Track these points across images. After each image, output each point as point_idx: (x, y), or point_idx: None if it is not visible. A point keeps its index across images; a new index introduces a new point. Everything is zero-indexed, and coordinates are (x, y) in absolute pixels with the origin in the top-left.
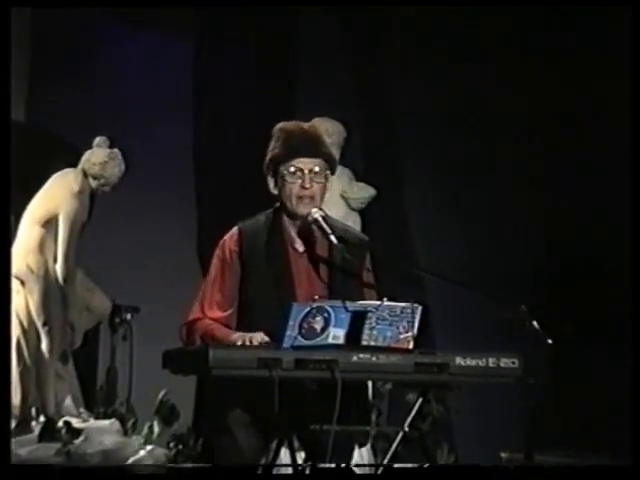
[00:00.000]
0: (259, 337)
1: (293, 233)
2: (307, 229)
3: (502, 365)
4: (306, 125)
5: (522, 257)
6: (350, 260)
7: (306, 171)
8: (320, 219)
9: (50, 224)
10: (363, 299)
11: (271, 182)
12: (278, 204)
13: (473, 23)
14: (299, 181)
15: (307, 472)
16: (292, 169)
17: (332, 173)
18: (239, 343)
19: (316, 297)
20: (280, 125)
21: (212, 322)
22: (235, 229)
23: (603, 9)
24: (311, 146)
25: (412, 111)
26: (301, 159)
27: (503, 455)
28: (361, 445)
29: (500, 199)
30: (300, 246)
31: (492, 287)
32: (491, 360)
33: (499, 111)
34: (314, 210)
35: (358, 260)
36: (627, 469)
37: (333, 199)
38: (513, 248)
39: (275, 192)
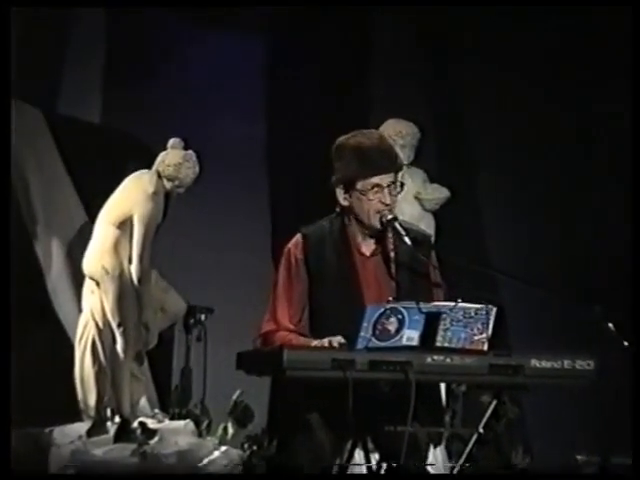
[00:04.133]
0: (337, 341)
1: (359, 237)
2: (374, 231)
3: (577, 367)
4: (376, 138)
5: (598, 257)
6: (418, 259)
7: (385, 187)
8: (395, 222)
9: (125, 225)
10: (431, 298)
11: (341, 195)
12: (338, 209)
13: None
14: (379, 196)
15: (381, 473)
16: (370, 186)
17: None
18: None
19: (390, 299)
20: (350, 141)
21: (288, 333)
22: (299, 236)
23: (603, 9)
24: (388, 162)
25: (486, 111)
26: (380, 176)
27: (579, 457)
28: (435, 446)
29: (576, 199)
30: (366, 249)
31: (567, 288)
32: (566, 362)
33: (572, 110)
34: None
35: (425, 258)
36: None
37: (407, 200)
38: (589, 248)
39: (345, 204)
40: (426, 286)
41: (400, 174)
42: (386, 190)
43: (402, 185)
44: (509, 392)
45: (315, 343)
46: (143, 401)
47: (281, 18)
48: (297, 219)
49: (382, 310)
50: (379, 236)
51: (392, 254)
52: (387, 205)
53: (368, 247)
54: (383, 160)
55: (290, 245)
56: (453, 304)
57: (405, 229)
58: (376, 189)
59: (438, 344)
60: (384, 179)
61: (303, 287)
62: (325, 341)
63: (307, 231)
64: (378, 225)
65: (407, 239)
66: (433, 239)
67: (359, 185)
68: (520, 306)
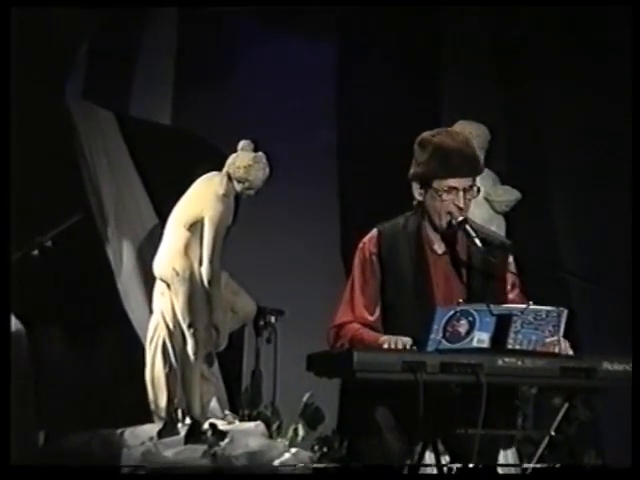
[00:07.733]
0: (406, 341)
1: (432, 236)
2: (447, 232)
3: None
4: (461, 141)
5: None
6: (491, 262)
7: (461, 190)
8: (466, 224)
9: (195, 227)
10: (503, 302)
11: (417, 189)
12: (415, 203)
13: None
14: (454, 198)
15: (452, 474)
16: (448, 187)
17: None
18: (385, 346)
19: (460, 300)
20: (434, 139)
21: (360, 326)
22: (374, 231)
23: (603, 9)
24: (469, 166)
25: (556, 112)
26: (458, 179)
27: None
28: (506, 449)
29: None
30: (439, 248)
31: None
32: None
33: None
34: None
35: (500, 263)
36: None
37: (477, 202)
38: None
39: (420, 199)
40: (498, 290)
41: (478, 179)
42: (461, 193)
43: (478, 190)
44: (581, 395)
45: (383, 339)
46: (213, 402)
47: (354, 19)
48: (367, 220)
49: (452, 312)
50: (451, 235)
51: (464, 256)
52: (460, 209)
53: (440, 245)
54: (464, 164)
55: (366, 240)
56: (524, 306)
57: (475, 230)
58: (454, 192)
59: (509, 346)
60: (462, 182)
61: (376, 282)
62: (392, 342)
63: (382, 227)
64: (445, 226)
65: (477, 241)
66: (510, 245)
67: (435, 184)
68: (592, 308)
